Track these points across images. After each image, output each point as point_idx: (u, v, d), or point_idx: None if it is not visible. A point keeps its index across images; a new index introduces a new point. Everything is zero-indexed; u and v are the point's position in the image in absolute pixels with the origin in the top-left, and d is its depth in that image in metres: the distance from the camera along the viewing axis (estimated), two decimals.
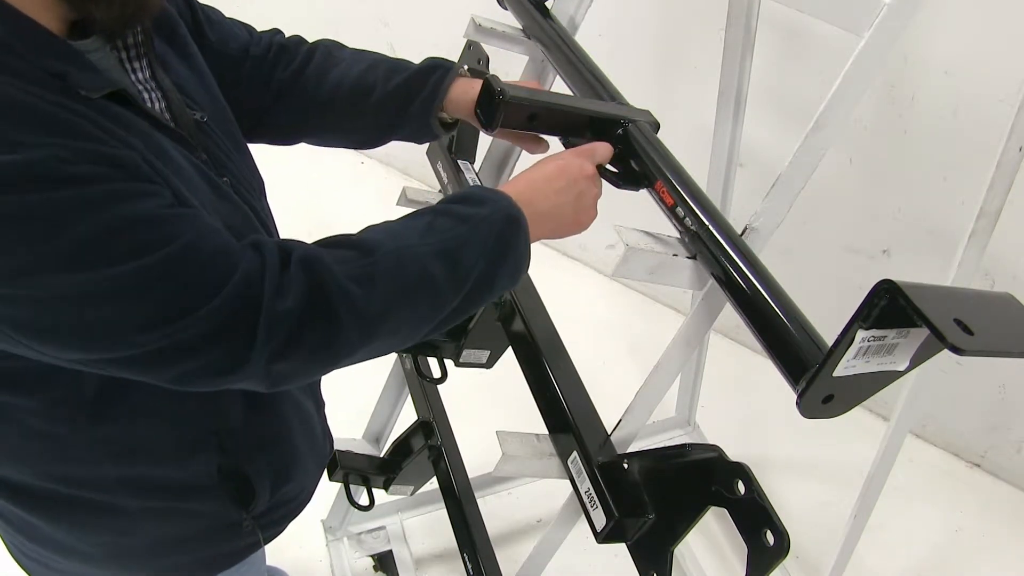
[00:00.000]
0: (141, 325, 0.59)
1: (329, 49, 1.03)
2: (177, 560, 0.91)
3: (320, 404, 1.06)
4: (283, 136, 1.03)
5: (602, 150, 0.87)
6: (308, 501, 1.01)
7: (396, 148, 3.34)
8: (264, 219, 0.87)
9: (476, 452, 1.31)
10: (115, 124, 0.64)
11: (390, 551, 1.70)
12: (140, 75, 0.76)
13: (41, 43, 0.62)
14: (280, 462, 0.90)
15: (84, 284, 0.57)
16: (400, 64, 1.00)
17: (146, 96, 0.76)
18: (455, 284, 0.71)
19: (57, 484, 0.78)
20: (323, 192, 2.74)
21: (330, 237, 0.70)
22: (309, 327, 0.63)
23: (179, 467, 0.81)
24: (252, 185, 0.87)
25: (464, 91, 0.97)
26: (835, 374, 0.59)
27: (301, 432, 0.93)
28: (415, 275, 0.69)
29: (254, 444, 0.86)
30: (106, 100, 0.65)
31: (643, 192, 0.87)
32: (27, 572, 0.92)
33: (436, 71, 0.98)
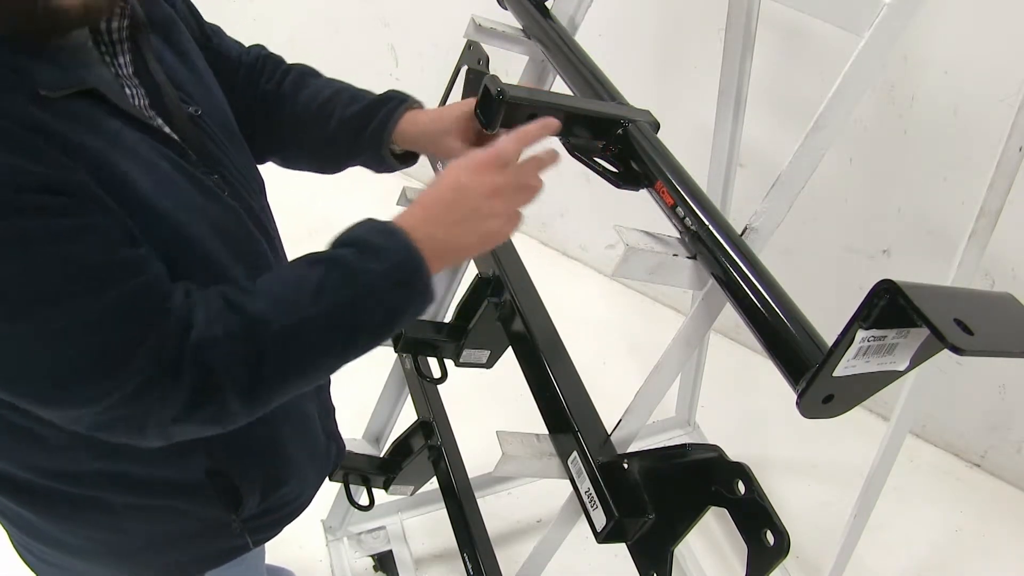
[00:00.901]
0: (53, 379, 0.62)
1: (303, 71, 1.05)
2: (165, 557, 0.91)
3: (328, 410, 1.05)
4: (256, 149, 0.99)
5: (508, 150, 0.76)
6: (304, 508, 1.00)
7: None
8: (260, 217, 0.86)
9: (476, 452, 1.31)
10: (76, 126, 0.64)
11: (390, 551, 1.70)
12: (124, 70, 0.75)
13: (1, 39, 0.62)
14: (270, 468, 0.90)
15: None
16: (361, 93, 1.00)
17: (129, 92, 0.75)
18: (352, 342, 0.71)
19: (43, 478, 0.79)
20: (323, 192, 2.72)
21: (229, 296, 0.68)
22: (201, 410, 0.66)
23: (165, 466, 0.81)
24: (249, 183, 0.87)
25: (413, 122, 0.95)
26: (835, 374, 0.59)
27: (296, 440, 0.93)
28: (308, 347, 0.69)
29: (241, 450, 0.85)
30: (73, 98, 0.65)
31: (643, 192, 0.87)
32: (28, 566, 0.92)
33: (389, 103, 0.97)
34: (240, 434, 0.76)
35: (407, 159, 1.00)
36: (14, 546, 0.91)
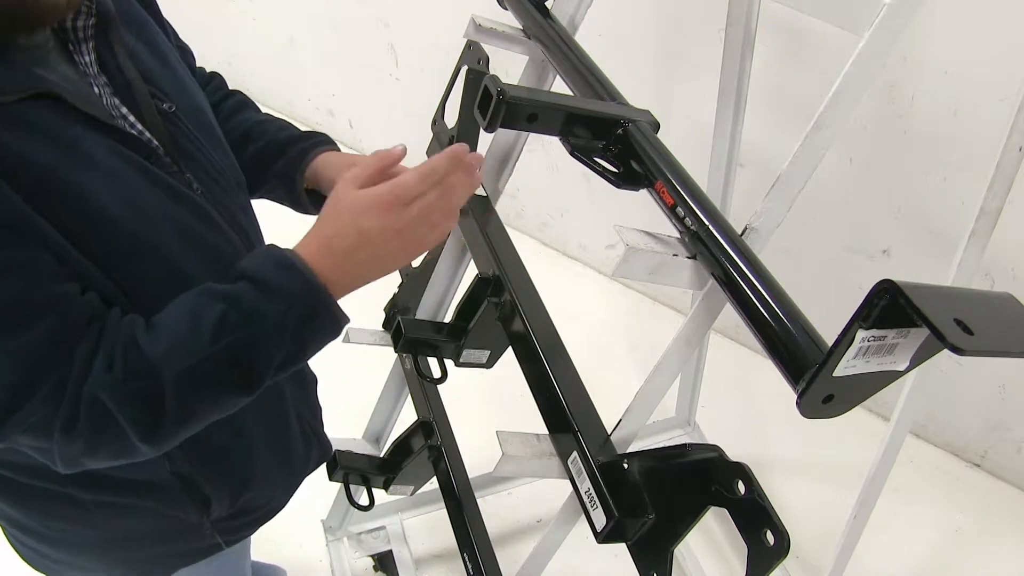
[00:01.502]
0: None
1: (245, 100, 1.06)
2: (139, 553, 0.92)
3: (314, 410, 1.05)
4: None
5: (409, 188, 0.72)
6: (277, 511, 1.00)
7: None
8: (236, 215, 0.85)
9: (476, 452, 1.31)
10: (28, 135, 0.63)
11: (390, 551, 1.70)
12: (90, 68, 0.74)
13: None
14: (239, 472, 0.90)
15: None
16: (291, 126, 1.01)
17: (96, 91, 0.74)
18: (258, 377, 0.70)
19: (19, 474, 0.79)
20: None
21: (135, 334, 0.68)
22: (104, 448, 0.67)
23: (131, 467, 0.79)
24: (226, 180, 0.86)
25: (325, 163, 0.95)
26: (835, 374, 0.59)
27: (267, 445, 0.93)
28: (208, 385, 0.68)
29: (200, 455, 0.85)
30: (28, 101, 0.64)
31: (643, 192, 0.87)
32: (20, 556, 0.94)
33: (312, 138, 0.98)
34: (199, 440, 0.75)
35: (320, 206, 1.01)
36: (7, 537, 0.93)
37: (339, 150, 1.00)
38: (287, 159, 0.96)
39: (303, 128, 1.03)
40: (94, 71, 0.75)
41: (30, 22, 0.65)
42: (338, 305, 0.72)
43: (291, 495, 1.03)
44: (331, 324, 0.72)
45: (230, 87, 1.07)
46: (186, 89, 0.86)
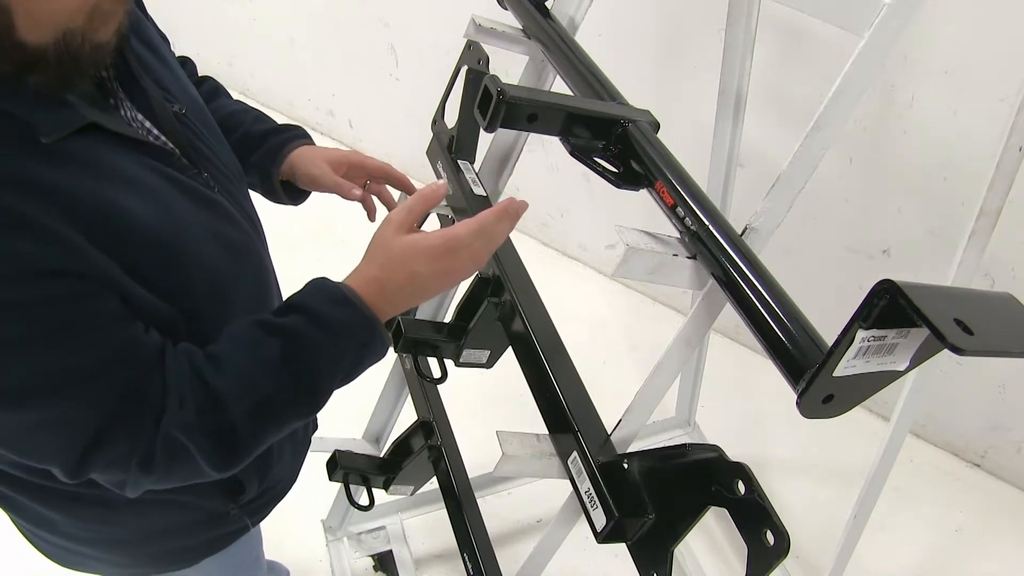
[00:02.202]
0: (34, 458, 0.68)
1: (218, 86, 1.07)
2: (167, 546, 0.93)
3: None
4: None
5: (462, 238, 0.78)
6: (292, 485, 1.04)
7: (395, 147, 3.31)
8: (245, 206, 0.88)
9: (476, 452, 1.31)
10: (76, 169, 0.64)
11: (390, 551, 1.70)
12: (110, 83, 0.74)
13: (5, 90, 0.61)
14: (265, 453, 0.92)
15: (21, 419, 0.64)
16: (267, 117, 1.04)
17: (114, 102, 0.74)
18: (318, 400, 0.76)
19: (47, 478, 0.79)
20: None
21: (197, 365, 0.71)
22: (176, 475, 0.71)
23: None
24: (233, 174, 0.88)
25: (301, 156, 1.00)
26: (835, 374, 0.59)
27: None
28: (276, 413, 0.73)
29: None
30: (70, 136, 0.64)
31: (643, 192, 0.87)
32: (41, 552, 0.94)
33: (288, 132, 1.02)
34: None
35: (295, 196, 1.05)
36: (26, 536, 0.93)
37: (314, 143, 1.04)
38: (263, 152, 0.99)
39: (300, 126, 1.05)
40: (115, 85, 0.75)
41: (83, 76, 0.66)
42: (386, 331, 0.79)
43: (299, 468, 1.06)
44: (381, 349, 0.78)
45: (230, 87, 1.07)
46: (187, 87, 0.87)
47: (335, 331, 0.73)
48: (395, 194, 1.09)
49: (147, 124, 0.76)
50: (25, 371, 0.61)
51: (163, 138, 0.77)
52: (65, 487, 0.80)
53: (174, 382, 0.69)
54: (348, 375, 0.77)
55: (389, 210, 1.02)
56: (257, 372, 0.71)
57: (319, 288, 0.76)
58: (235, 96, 1.08)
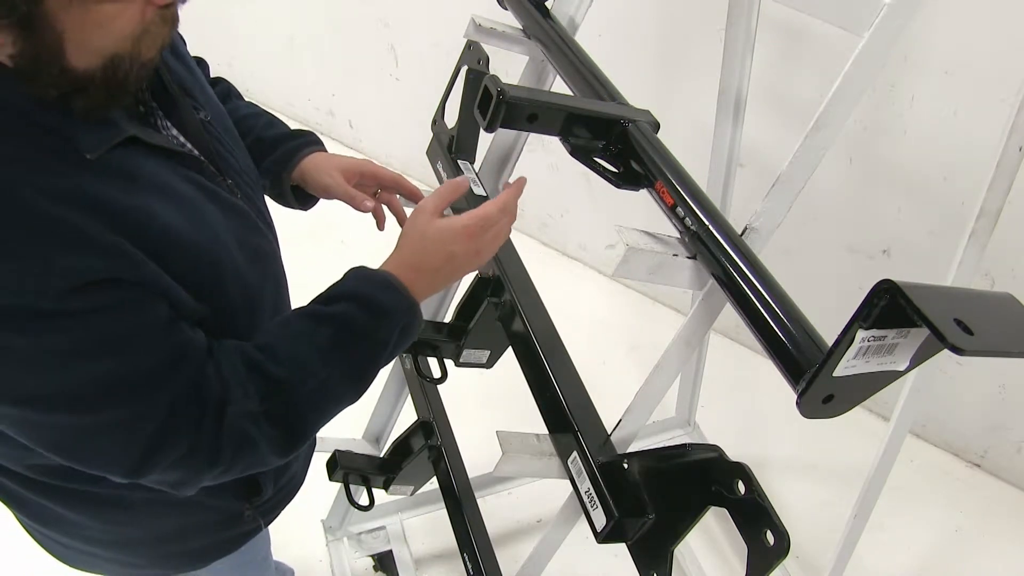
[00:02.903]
0: (126, 459, 0.67)
1: (231, 88, 1.08)
2: (182, 547, 0.94)
3: None
4: None
5: (492, 216, 0.83)
6: (301, 484, 1.05)
7: (396, 147, 3.31)
8: (263, 211, 0.89)
9: (476, 452, 1.31)
10: (119, 183, 0.65)
11: (390, 551, 1.70)
12: (142, 94, 0.75)
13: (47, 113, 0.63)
14: None
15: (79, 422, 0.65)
16: (279, 122, 1.05)
17: (156, 122, 0.75)
18: (365, 383, 0.79)
19: (65, 480, 0.80)
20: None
21: (249, 356, 0.73)
22: (239, 466, 0.73)
23: None
24: (253, 179, 0.89)
25: (314, 163, 1.00)
26: (835, 374, 0.59)
27: None
28: (331, 398, 0.76)
29: None
30: (113, 150, 0.65)
31: (643, 192, 0.87)
32: (49, 552, 0.94)
33: (300, 138, 1.02)
34: None
35: (303, 201, 1.05)
36: (34, 536, 0.93)
37: (325, 150, 1.04)
38: (275, 157, 1.00)
39: (297, 127, 1.05)
40: (147, 95, 0.76)
41: (127, 95, 0.67)
42: (422, 313, 0.82)
43: (308, 467, 1.07)
44: (417, 332, 0.82)
45: (231, 87, 1.07)
46: (209, 92, 0.87)
47: (382, 316, 0.77)
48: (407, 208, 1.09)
49: (174, 131, 0.77)
50: (84, 378, 0.63)
51: (188, 145, 0.78)
52: (83, 488, 0.81)
53: (231, 375, 0.71)
54: (391, 357, 0.80)
55: (399, 221, 1.03)
56: (314, 359, 0.73)
57: (363, 276, 0.79)
58: None
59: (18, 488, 0.82)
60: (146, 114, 0.75)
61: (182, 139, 0.78)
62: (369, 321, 0.76)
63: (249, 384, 0.71)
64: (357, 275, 0.79)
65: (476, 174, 1.21)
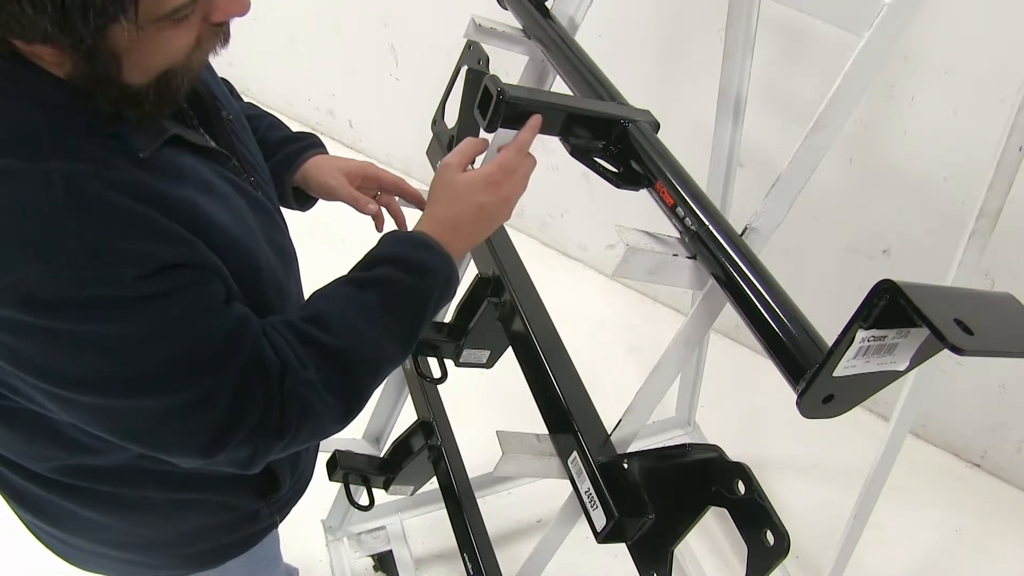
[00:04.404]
0: (196, 442, 0.69)
1: (232, 87, 1.08)
2: (196, 547, 0.94)
3: None
4: None
5: (512, 161, 0.86)
6: (311, 478, 1.06)
7: (396, 147, 3.31)
8: (278, 207, 0.90)
9: (476, 452, 1.31)
10: (169, 179, 0.67)
11: (390, 551, 1.70)
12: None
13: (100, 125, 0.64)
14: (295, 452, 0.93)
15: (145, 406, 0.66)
16: (281, 123, 1.06)
17: (191, 122, 0.77)
18: (413, 341, 0.81)
19: (96, 482, 0.80)
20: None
21: (298, 329, 0.74)
22: (301, 436, 0.75)
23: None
24: (268, 175, 0.91)
25: (317, 165, 1.01)
26: (835, 374, 0.59)
27: None
28: (384, 361, 0.78)
29: None
30: (160, 148, 0.67)
31: (643, 192, 0.87)
32: (59, 556, 0.94)
33: (303, 140, 1.03)
34: None
35: (302, 202, 1.06)
36: (37, 535, 0.92)
37: (327, 152, 1.05)
38: (278, 159, 1.01)
39: (297, 127, 1.05)
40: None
41: (176, 104, 0.70)
42: (457, 269, 0.84)
43: (315, 461, 1.08)
44: (456, 286, 0.84)
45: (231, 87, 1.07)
46: (225, 92, 0.88)
47: (423, 274, 0.78)
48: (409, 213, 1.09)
49: (201, 130, 0.79)
50: (157, 360, 0.65)
51: (213, 144, 0.79)
52: (110, 490, 0.81)
53: (284, 346, 0.72)
54: (435, 312, 0.82)
55: (398, 223, 1.04)
56: (363, 323, 0.75)
57: (397, 239, 0.81)
58: None
59: (34, 487, 0.81)
60: (181, 113, 0.76)
61: (207, 137, 0.79)
62: (410, 280, 0.77)
63: (304, 354, 0.72)
64: (392, 238, 0.81)
65: None
